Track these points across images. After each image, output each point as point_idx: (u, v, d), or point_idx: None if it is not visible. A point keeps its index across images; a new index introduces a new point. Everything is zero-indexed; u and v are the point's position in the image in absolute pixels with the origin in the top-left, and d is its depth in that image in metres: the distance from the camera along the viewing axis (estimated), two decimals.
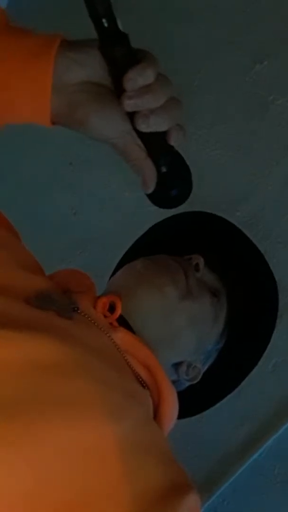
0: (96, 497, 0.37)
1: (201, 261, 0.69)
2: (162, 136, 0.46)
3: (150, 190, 0.49)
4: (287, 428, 0.88)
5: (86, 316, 0.52)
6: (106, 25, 0.42)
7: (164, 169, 0.48)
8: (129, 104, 0.42)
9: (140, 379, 0.54)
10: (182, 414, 0.64)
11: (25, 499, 0.35)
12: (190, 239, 0.77)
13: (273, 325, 0.76)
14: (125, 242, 0.91)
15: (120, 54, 0.43)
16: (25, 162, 1.16)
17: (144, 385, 0.55)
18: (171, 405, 0.57)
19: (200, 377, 0.68)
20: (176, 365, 0.65)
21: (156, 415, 0.55)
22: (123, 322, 0.57)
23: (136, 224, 0.91)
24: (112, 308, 0.57)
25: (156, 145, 0.47)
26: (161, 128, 0.45)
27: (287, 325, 0.82)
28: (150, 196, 0.51)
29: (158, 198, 0.51)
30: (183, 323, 0.62)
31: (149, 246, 0.81)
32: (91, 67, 0.43)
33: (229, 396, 0.80)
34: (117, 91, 0.44)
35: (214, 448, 0.92)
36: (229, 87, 0.95)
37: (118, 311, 0.56)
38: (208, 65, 0.95)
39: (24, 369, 0.39)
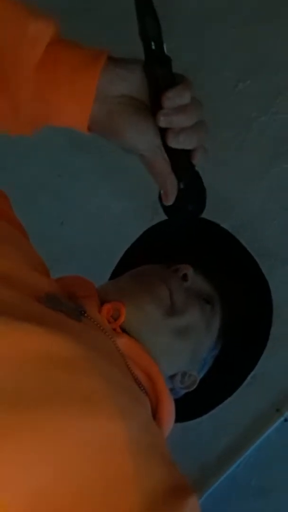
0: (106, 491, 0.38)
1: (189, 271, 0.69)
2: (187, 154, 0.50)
3: (169, 203, 0.52)
4: (263, 440, 0.89)
5: (92, 320, 0.54)
6: (153, 47, 0.46)
7: (183, 185, 0.52)
8: (164, 120, 0.46)
9: (140, 385, 0.56)
10: (180, 419, 0.64)
11: (42, 491, 0.36)
12: (183, 244, 0.78)
13: (268, 329, 0.77)
14: (112, 251, 0.92)
15: (162, 74, 0.47)
16: (14, 173, 1.18)
17: (144, 391, 0.56)
18: (168, 412, 0.58)
19: (196, 385, 0.69)
20: (171, 375, 0.66)
21: (154, 421, 0.56)
22: (124, 331, 0.59)
23: (123, 234, 0.92)
24: (115, 316, 0.59)
25: (181, 162, 0.50)
26: (189, 146, 0.48)
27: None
28: (165, 208, 0.54)
29: (172, 211, 0.54)
30: (174, 339, 0.63)
31: (142, 251, 0.82)
32: (133, 83, 0.47)
33: None
34: (154, 107, 0.47)
35: (192, 460, 0.93)
36: (214, 104, 0.97)
37: (123, 317, 0.58)
38: (195, 83, 0.97)
39: (44, 362, 0.41)
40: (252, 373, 0.87)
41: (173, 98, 0.45)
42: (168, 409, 0.58)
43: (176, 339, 0.63)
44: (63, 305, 0.50)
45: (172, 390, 0.67)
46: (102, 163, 1.07)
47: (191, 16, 0.99)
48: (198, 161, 0.50)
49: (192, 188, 0.53)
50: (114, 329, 0.57)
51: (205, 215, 0.84)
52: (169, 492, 0.41)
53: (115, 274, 0.83)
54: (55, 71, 0.46)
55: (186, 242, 0.78)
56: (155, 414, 0.57)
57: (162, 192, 0.52)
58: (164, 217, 0.57)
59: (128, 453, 0.41)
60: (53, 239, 1.15)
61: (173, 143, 0.47)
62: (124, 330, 0.59)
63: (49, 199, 1.17)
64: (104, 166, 1.06)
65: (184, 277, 0.69)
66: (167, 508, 0.40)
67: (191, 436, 0.92)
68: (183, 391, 0.69)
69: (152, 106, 0.47)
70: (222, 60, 0.97)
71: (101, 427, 0.40)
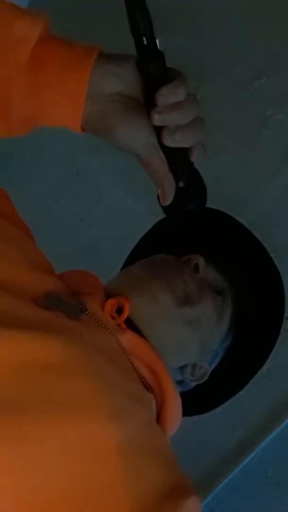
0: (98, 496, 0.38)
1: (201, 261, 0.68)
2: (184, 152, 0.48)
3: (167, 203, 0.50)
4: (280, 431, 0.89)
5: (93, 317, 0.52)
6: (145, 42, 0.44)
7: (182, 184, 0.50)
8: (158, 119, 0.44)
9: (145, 382, 0.55)
10: (191, 412, 0.64)
11: (29, 496, 0.36)
12: (195, 236, 0.76)
13: (280, 320, 0.75)
14: (129, 247, 0.93)
15: (155, 71, 0.45)
16: (34, 171, 1.20)
17: (149, 388, 0.55)
18: (174, 409, 0.57)
19: (207, 376, 0.68)
20: (181, 367, 0.65)
21: (159, 418, 0.56)
22: (130, 325, 0.58)
23: (140, 230, 0.94)
24: (119, 310, 0.58)
25: (178, 160, 0.49)
26: (186, 144, 0.46)
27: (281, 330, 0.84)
28: (164, 208, 0.52)
29: (172, 211, 0.52)
30: (185, 329, 0.62)
31: (154, 243, 0.81)
32: (125, 80, 0.45)
33: None
34: (148, 105, 0.45)
35: (209, 451, 0.94)
36: (229, 102, 0.98)
37: (126, 313, 0.57)
38: (210, 81, 0.98)
39: (30, 369, 0.40)
40: (267, 366, 0.87)
41: (167, 95, 0.43)
42: (174, 406, 0.57)
43: (187, 329, 0.62)
44: (63, 304, 0.49)
45: (182, 382, 0.66)
46: (118, 162, 1.08)
47: (207, 14, 1.00)
48: (196, 159, 0.48)
49: (191, 186, 0.51)
50: (119, 325, 0.56)
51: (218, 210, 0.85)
52: (166, 494, 0.41)
53: (126, 265, 0.83)
54: (45, 70, 0.45)
55: (197, 234, 0.76)
56: (161, 411, 0.56)
57: (159, 192, 0.50)
58: None
59: (120, 456, 0.40)
60: (73, 236, 1.18)
61: (169, 142, 0.45)
62: (130, 323, 0.58)
63: (68, 198, 1.19)
64: (120, 165, 1.08)
65: (196, 268, 0.68)
66: (162, 510, 0.40)
67: (207, 427, 0.94)
68: (194, 383, 0.68)
69: (146, 104, 0.46)
70: (237, 58, 0.98)
71: (90, 430, 0.40)
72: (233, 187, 0.96)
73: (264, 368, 0.86)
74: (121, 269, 0.82)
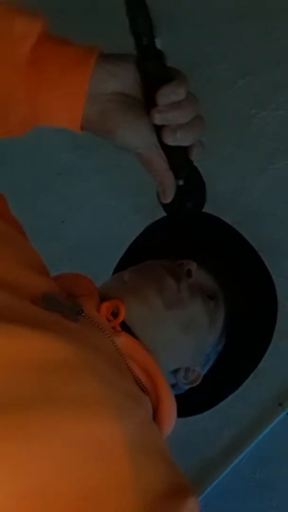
0: (104, 495, 0.38)
1: (193, 266, 0.69)
2: (184, 151, 0.49)
3: (168, 201, 0.51)
4: (267, 434, 0.90)
5: (90, 319, 0.53)
6: (145, 42, 0.45)
7: (182, 182, 0.51)
8: (159, 118, 0.45)
9: (140, 384, 0.55)
10: (183, 414, 0.64)
11: (36, 495, 0.35)
12: (186, 239, 0.78)
13: (273, 325, 0.77)
14: (114, 249, 0.92)
15: (155, 70, 0.46)
16: (14, 171, 1.18)
17: (144, 389, 0.56)
18: (169, 411, 0.58)
19: (200, 380, 0.69)
20: (174, 371, 0.66)
21: (155, 419, 0.56)
22: (125, 327, 0.59)
23: (124, 231, 0.93)
24: (114, 313, 0.58)
25: (178, 159, 0.49)
26: (186, 143, 0.47)
27: None
28: (164, 206, 0.53)
29: (172, 208, 0.53)
30: (177, 333, 0.63)
31: (145, 247, 0.82)
32: (125, 80, 0.46)
33: None
34: (148, 104, 0.46)
35: (197, 453, 0.94)
36: (213, 100, 0.97)
37: (122, 316, 0.58)
38: (194, 79, 0.97)
39: (33, 366, 0.40)
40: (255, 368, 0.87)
41: (167, 95, 0.44)
42: (169, 407, 0.58)
43: (179, 333, 0.63)
44: (60, 305, 0.50)
45: (175, 385, 0.67)
46: (103, 161, 1.07)
47: (189, 12, 1.00)
48: (195, 157, 0.49)
49: (191, 184, 0.52)
50: (114, 328, 0.57)
51: (205, 211, 0.85)
52: (167, 493, 0.41)
53: (117, 270, 0.83)
54: (45, 70, 0.45)
55: (188, 237, 0.78)
56: (156, 412, 0.57)
57: (160, 190, 0.51)
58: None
59: (122, 455, 0.40)
60: (54, 237, 1.16)
61: (170, 141, 0.46)
62: (125, 327, 0.58)
63: (50, 198, 1.17)
64: (104, 164, 1.07)
65: (188, 273, 0.68)
66: (166, 508, 0.40)
67: (195, 430, 0.93)
68: (187, 387, 0.69)
69: (146, 103, 0.46)
70: (221, 57, 0.97)
71: (93, 430, 0.40)
72: (218, 186, 0.96)
73: (252, 372, 0.86)
74: (113, 274, 0.82)
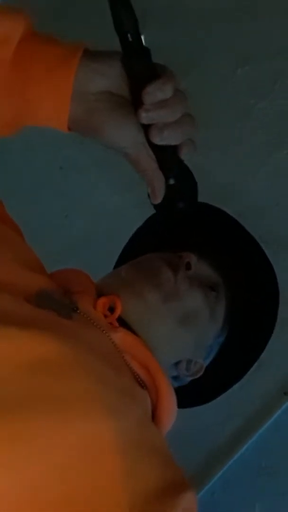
0: (93, 494, 0.38)
1: (192, 259, 0.69)
2: (173, 149, 0.47)
3: (158, 201, 0.50)
4: (272, 423, 0.90)
5: (85, 316, 0.52)
6: (130, 39, 0.44)
7: (172, 181, 0.49)
8: (146, 117, 0.44)
9: (139, 379, 0.55)
10: (186, 405, 0.65)
11: (23, 495, 0.35)
12: (187, 231, 0.77)
13: (275, 315, 0.76)
14: (116, 243, 0.93)
15: (141, 68, 0.44)
16: (16, 167, 1.18)
17: (143, 385, 0.55)
18: (169, 405, 0.57)
19: (202, 372, 0.69)
20: (176, 363, 0.66)
21: (155, 415, 0.56)
22: (123, 323, 0.58)
23: (125, 224, 0.93)
24: (112, 309, 0.58)
25: (167, 158, 0.48)
26: (174, 142, 0.46)
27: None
28: (155, 206, 0.52)
29: (163, 209, 0.52)
30: (177, 325, 0.63)
31: (146, 239, 0.82)
32: (111, 78, 0.45)
33: None
34: (135, 102, 0.45)
35: (202, 444, 0.94)
36: (213, 91, 0.97)
37: (118, 311, 0.57)
38: (192, 70, 0.97)
39: (24, 367, 0.40)
40: (259, 358, 0.87)
41: (154, 93, 0.43)
42: (169, 402, 0.57)
43: (178, 326, 0.63)
44: (55, 303, 0.49)
45: (177, 377, 0.67)
46: (103, 156, 1.07)
47: (189, 3, 0.99)
48: (185, 156, 0.48)
49: (181, 184, 0.50)
50: (111, 323, 0.56)
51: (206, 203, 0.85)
52: (161, 491, 0.41)
53: (118, 264, 0.83)
54: (29, 69, 0.44)
55: (190, 229, 0.77)
56: (156, 407, 0.56)
57: (149, 190, 0.49)
58: None
59: (115, 453, 0.40)
60: (58, 232, 1.16)
61: (157, 140, 0.45)
62: (123, 322, 0.58)
63: (52, 193, 1.17)
64: (106, 158, 1.06)
65: (187, 266, 0.68)
66: (158, 506, 0.40)
67: (200, 420, 0.94)
68: (189, 379, 0.69)
69: (133, 101, 0.45)
70: (220, 47, 0.97)
71: (85, 428, 0.40)
72: (219, 178, 0.96)
73: (255, 363, 0.87)
74: (114, 267, 0.82)
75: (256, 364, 0.86)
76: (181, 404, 0.60)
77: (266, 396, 0.91)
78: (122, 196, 1.10)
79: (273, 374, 0.91)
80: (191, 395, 0.68)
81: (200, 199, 0.84)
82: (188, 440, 0.94)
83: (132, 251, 0.80)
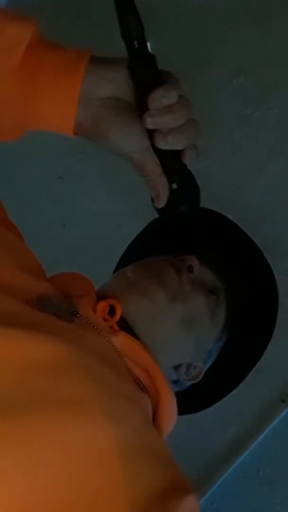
0: (94, 498, 0.38)
1: (194, 262, 0.69)
2: (177, 154, 0.48)
3: (161, 205, 0.51)
4: (270, 431, 0.89)
5: (85, 320, 0.53)
6: (137, 46, 0.45)
7: (175, 186, 0.51)
8: (151, 122, 0.45)
9: (140, 383, 0.55)
10: (185, 411, 0.64)
11: (23, 498, 0.35)
12: (188, 235, 0.78)
13: (274, 320, 0.77)
14: (114, 251, 0.93)
15: (146, 74, 0.46)
16: (15, 175, 1.19)
17: (144, 388, 0.56)
18: (169, 409, 0.57)
19: (201, 376, 0.69)
20: (176, 367, 0.66)
21: (155, 418, 0.56)
22: (124, 325, 0.58)
23: (125, 233, 0.93)
24: (112, 312, 0.58)
25: (171, 163, 0.49)
26: (178, 147, 0.47)
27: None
28: (158, 210, 0.53)
29: (166, 212, 0.53)
30: (179, 328, 0.63)
31: (147, 243, 0.82)
32: (117, 84, 0.46)
33: None
34: (140, 108, 0.46)
35: (200, 452, 0.94)
36: (209, 101, 0.98)
37: (118, 315, 0.58)
38: (190, 80, 0.98)
39: (25, 368, 0.40)
40: (257, 365, 0.87)
41: (159, 98, 0.44)
42: (169, 405, 0.57)
43: (181, 328, 0.63)
44: (55, 306, 0.50)
45: (177, 381, 0.67)
46: (103, 164, 1.08)
47: (184, 13, 1.00)
48: (189, 161, 0.49)
49: (184, 188, 0.51)
50: (111, 327, 0.57)
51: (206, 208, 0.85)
52: (162, 494, 0.41)
53: (119, 268, 0.83)
54: (37, 75, 0.45)
55: (190, 233, 0.78)
56: (157, 410, 0.56)
57: (153, 194, 0.51)
58: None
59: (116, 456, 0.40)
60: (56, 241, 1.17)
61: (162, 145, 0.46)
62: (125, 324, 0.58)
63: (50, 202, 1.18)
64: (105, 167, 1.07)
65: (190, 269, 0.69)
66: (159, 510, 0.40)
67: (198, 428, 0.93)
68: (189, 383, 0.69)
69: (138, 107, 0.46)
70: (216, 57, 0.98)
71: (85, 433, 0.40)
72: (217, 185, 0.96)
73: (254, 367, 0.87)
74: (114, 271, 0.82)
75: (254, 370, 0.86)
76: (180, 411, 0.60)
77: (265, 404, 0.91)
78: (121, 205, 1.10)
79: (271, 381, 0.91)
80: (189, 401, 0.68)
81: (201, 204, 0.84)
82: (186, 448, 0.94)
83: (133, 256, 0.80)
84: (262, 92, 0.95)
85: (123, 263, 0.84)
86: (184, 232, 0.79)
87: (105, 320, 0.57)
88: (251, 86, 0.95)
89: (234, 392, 0.79)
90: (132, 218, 1.07)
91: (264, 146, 0.95)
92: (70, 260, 1.16)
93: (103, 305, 0.57)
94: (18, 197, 1.18)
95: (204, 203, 0.90)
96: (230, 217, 0.87)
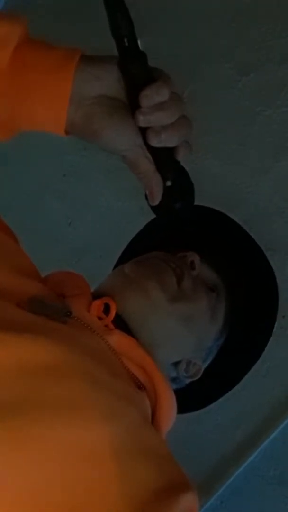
0: (90, 498, 0.38)
1: (196, 258, 0.69)
2: (170, 151, 0.48)
3: (156, 203, 0.51)
4: (281, 430, 0.90)
5: (79, 320, 0.52)
6: (127, 44, 0.45)
7: (169, 183, 0.51)
8: (143, 120, 0.44)
9: (137, 380, 0.55)
10: (186, 409, 0.65)
11: (17, 499, 0.35)
12: (189, 233, 0.78)
13: (274, 318, 0.77)
14: (120, 250, 0.92)
15: (137, 72, 0.45)
16: (20, 174, 1.18)
17: (141, 386, 0.55)
18: (168, 406, 0.57)
19: (201, 373, 0.69)
20: (175, 363, 0.66)
21: (154, 415, 0.56)
22: (120, 323, 0.58)
23: (130, 231, 0.93)
24: (107, 310, 0.58)
25: (164, 160, 0.49)
26: (171, 144, 0.47)
27: (279, 328, 0.84)
28: (153, 208, 0.53)
29: (161, 210, 0.53)
30: (177, 325, 0.63)
31: (147, 241, 0.82)
32: (108, 82, 0.46)
33: (224, 400, 0.81)
34: (132, 106, 0.46)
35: (211, 452, 0.94)
36: (218, 99, 0.97)
37: (113, 313, 0.57)
38: (198, 78, 0.97)
39: (17, 372, 0.40)
40: (267, 364, 0.88)
41: (150, 96, 0.44)
42: (168, 402, 0.57)
43: (180, 325, 0.63)
44: (48, 308, 0.49)
45: (176, 379, 0.67)
46: (107, 162, 1.07)
47: (192, 10, 0.99)
48: (182, 158, 0.49)
49: (178, 185, 0.51)
50: (106, 326, 0.56)
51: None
52: (159, 492, 0.41)
53: (118, 264, 0.83)
54: (26, 75, 0.45)
55: (191, 231, 0.78)
56: (155, 408, 0.56)
57: (147, 192, 0.51)
58: None
59: (112, 456, 0.40)
60: (61, 239, 1.16)
61: (155, 142, 0.46)
62: (121, 322, 0.58)
63: (55, 200, 1.17)
64: (109, 165, 1.07)
65: (191, 265, 0.68)
66: (155, 508, 0.40)
67: (208, 428, 0.94)
68: (188, 380, 0.69)
69: (130, 105, 0.46)
70: (225, 54, 0.97)
71: (81, 434, 0.40)
72: (225, 185, 0.96)
73: (264, 366, 0.87)
74: (114, 268, 0.82)
75: (264, 370, 0.86)
76: (180, 409, 0.60)
77: (274, 404, 0.91)
78: (125, 203, 1.10)
79: (281, 381, 0.91)
80: (189, 400, 0.68)
81: (206, 204, 0.84)
82: (195, 448, 0.94)
83: (133, 253, 0.80)
84: (271, 90, 0.94)
85: (121, 260, 0.84)
86: (185, 230, 0.79)
87: (100, 318, 0.56)
88: (260, 84, 0.94)
89: (244, 391, 0.79)
90: (137, 216, 1.07)
91: (272, 145, 0.95)
92: (74, 258, 1.15)
93: (97, 304, 0.57)
94: (22, 195, 1.17)
95: (211, 202, 0.90)
96: (238, 217, 0.87)
